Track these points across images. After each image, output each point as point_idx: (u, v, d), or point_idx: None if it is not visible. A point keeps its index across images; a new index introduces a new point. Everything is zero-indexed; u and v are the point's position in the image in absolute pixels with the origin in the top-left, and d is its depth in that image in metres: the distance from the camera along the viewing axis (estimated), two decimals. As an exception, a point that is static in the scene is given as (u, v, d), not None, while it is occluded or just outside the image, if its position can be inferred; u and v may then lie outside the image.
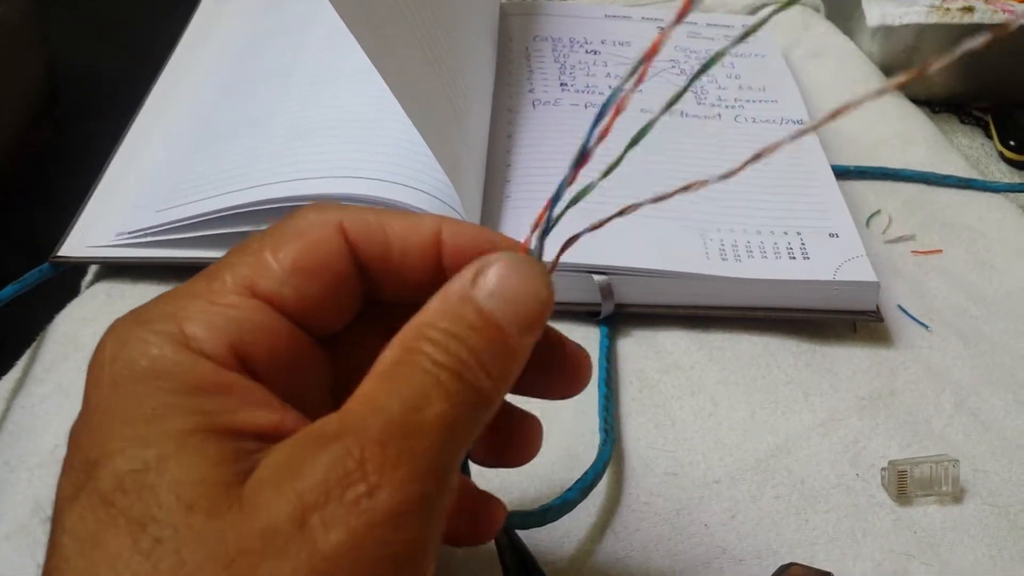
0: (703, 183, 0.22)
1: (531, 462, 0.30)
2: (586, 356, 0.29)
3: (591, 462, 0.40)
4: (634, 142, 0.24)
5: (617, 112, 0.23)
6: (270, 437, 0.21)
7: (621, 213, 0.25)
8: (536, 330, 0.24)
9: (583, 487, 0.38)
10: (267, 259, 0.24)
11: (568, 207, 0.25)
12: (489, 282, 0.23)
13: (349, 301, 0.26)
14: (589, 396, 0.44)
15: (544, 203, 0.25)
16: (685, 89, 0.22)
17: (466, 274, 0.23)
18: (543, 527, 0.37)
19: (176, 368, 0.21)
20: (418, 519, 0.20)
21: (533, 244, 0.25)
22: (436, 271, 0.26)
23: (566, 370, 0.29)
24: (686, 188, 0.23)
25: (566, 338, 0.29)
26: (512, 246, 0.26)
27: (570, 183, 0.25)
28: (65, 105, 1.42)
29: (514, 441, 0.30)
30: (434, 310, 0.23)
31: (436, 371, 0.22)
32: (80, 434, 0.21)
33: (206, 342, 0.22)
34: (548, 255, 0.25)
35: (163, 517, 0.19)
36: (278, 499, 0.19)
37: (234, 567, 0.19)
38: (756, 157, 0.21)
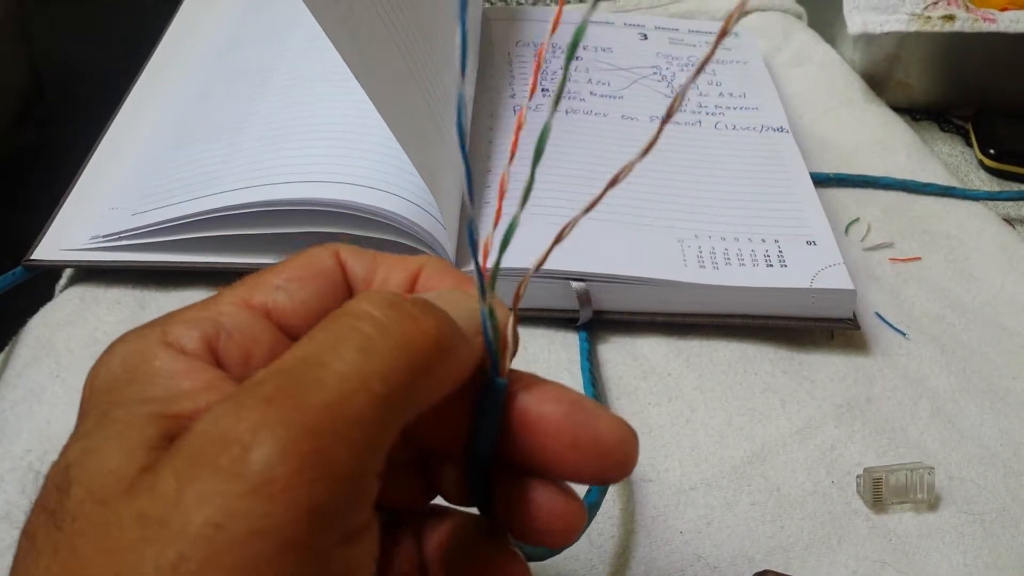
0: (629, 168, 0.22)
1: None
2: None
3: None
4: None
5: (519, 128, 0.23)
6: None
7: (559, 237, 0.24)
8: (478, 337, 0.23)
9: (591, 503, 0.37)
10: (266, 276, 0.24)
11: (504, 242, 0.24)
12: (432, 294, 0.24)
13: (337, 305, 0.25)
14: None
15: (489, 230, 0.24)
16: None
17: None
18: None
19: (137, 360, 0.22)
20: (303, 484, 0.17)
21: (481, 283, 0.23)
22: None
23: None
24: (614, 182, 0.22)
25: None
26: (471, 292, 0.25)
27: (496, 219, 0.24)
28: (48, 103, 1.41)
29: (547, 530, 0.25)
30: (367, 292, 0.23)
31: (354, 321, 0.20)
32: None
33: (182, 337, 0.22)
34: (522, 261, 0.24)
35: (73, 510, 0.18)
36: (162, 478, 0.18)
37: (115, 558, 0.17)
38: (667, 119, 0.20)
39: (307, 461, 0.17)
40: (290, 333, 0.24)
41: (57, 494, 0.19)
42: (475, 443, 0.24)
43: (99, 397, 0.21)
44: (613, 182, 0.22)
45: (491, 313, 0.23)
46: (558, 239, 0.23)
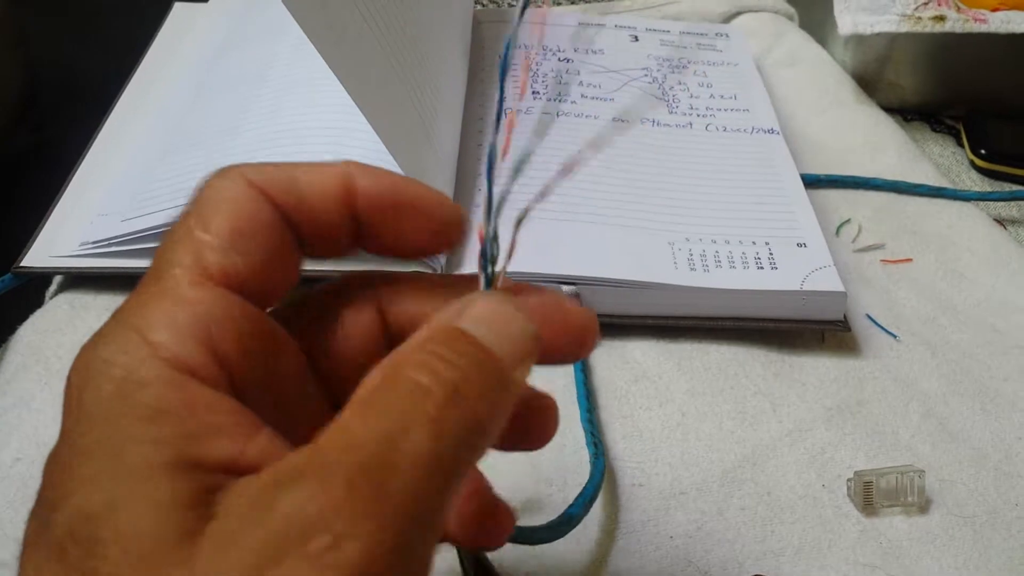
0: (574, 164, 0.22)
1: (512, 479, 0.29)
2: (553, 405, 0.27)
3: (564, 471, 0.40)
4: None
5: (510, 128, 0.23)
6: (237, 467, 0.20)
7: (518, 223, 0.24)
8: (528, 364, 0.22)
9: (584, 501, 0.38)
10: (201, 237, 0.22)
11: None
12: (477, 313, 0.22)
13: (292, 258, 0.24)
14: (565, 408, 0.44)
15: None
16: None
17: (450, 309, 0.22)
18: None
19: (140, 389, 0.20)
20: (393, 574, 0.18)
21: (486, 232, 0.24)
22: (352, 221, 0.24)
23: (533, 422, 0.26)
24: (567, 170, 0.23)
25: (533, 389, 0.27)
26: (438, 198, 0.25)
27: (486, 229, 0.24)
28: (44, 108, 1.41)
29: (530, 423, 0.26)
30: (418, 336, 0.21)
31: (419, 397, 0.19)
32: (49, 468, 0.20)
33: (174, 347, 0.20)
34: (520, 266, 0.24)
35: (110, 573, 0.17)
36: (233, 554, 0.17)
37: None
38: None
39: (394, 555, 0.18)
40: (250, 297, 0.22)
41: (78, 550, 0.18)
42: None
43: (98, 427, 0.19)
44: (564, 172, 0.24)
45: None
46: (518, 226, 0.24)
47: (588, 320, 0.25)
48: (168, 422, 0.19)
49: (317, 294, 0.26)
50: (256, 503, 0.18)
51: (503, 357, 0.21)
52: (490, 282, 0.24)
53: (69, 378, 0.21)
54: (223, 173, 0.23)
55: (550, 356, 0.25)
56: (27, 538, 0.19)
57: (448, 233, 0.25)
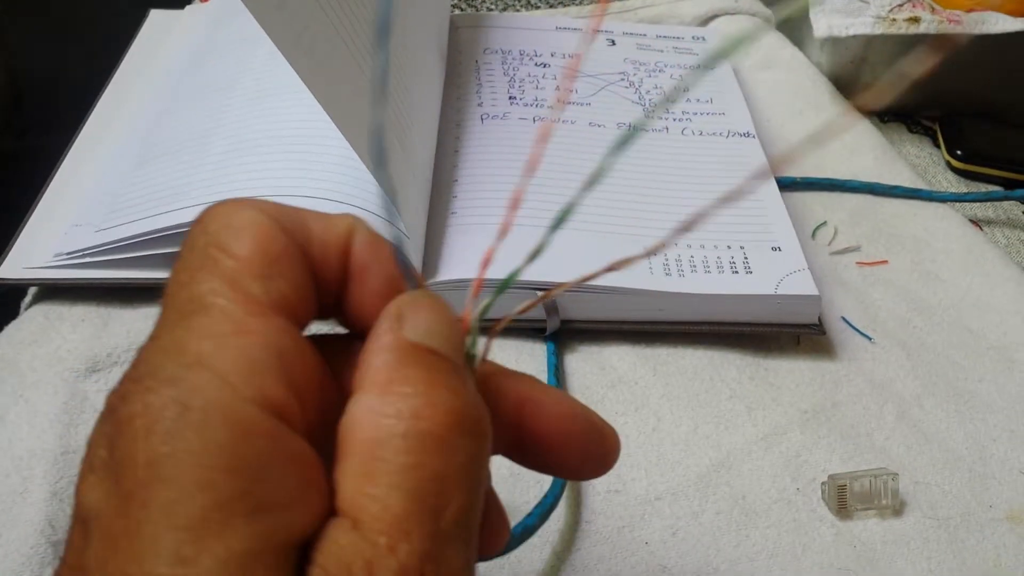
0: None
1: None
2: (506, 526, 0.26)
3: (542, 479, 0.40)
4: (561, 219, 0.23)
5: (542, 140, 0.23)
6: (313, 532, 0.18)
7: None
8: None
9: (542, 512, 0.38)
10: (227, 262, 0.19)
11: (509, 279, 0.23)
12: (416, 322, 0.21)
13: (314, 288, 0.22)
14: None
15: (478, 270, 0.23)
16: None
17: (387, 320, 0.21)
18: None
19: (230, 439, 0.17)
20: None
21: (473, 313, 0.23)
22: (343, 272, 0.22)
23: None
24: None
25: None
26: (417, 281, 0.23)
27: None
28: (27, 113, 1.40)
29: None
30: (380, 364, 0.20)
31: (449, 448, 0.19)
32: (116, 530, 0.17)
33: (268, 387, 0.18)
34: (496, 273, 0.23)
35: None
36: None
37: None
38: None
39: None
40: (297, 320, 0.20)
41: None
42: None
43: (179, 489, 0.17)
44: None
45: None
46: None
47: (614, 438, 0.25)
48: (262, 482, 0.17)
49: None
50: None
51: (458, 358, 0.21)
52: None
53: (121, 419, 0.18)
54: (228, 202, 0.21)
55: (573, 473, 0.25)
56: None
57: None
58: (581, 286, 0.46)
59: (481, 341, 0.23)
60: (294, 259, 0.20)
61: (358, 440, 0.19)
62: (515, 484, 0.42)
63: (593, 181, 0.22)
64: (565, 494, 0.41)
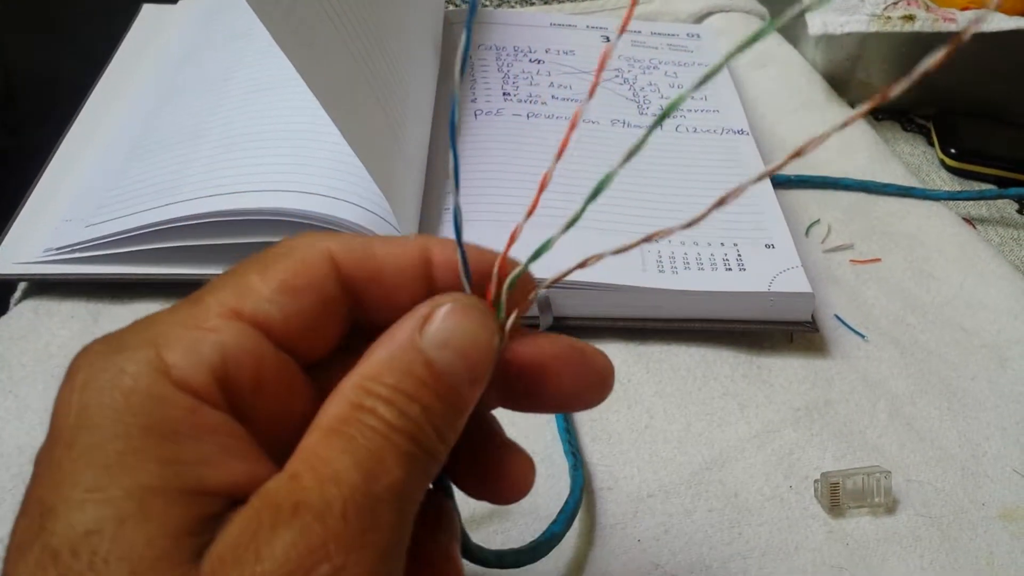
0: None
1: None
2: (529, 463, 0.27)
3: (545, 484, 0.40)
4: (594, 195, 0.23)
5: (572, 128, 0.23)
6: (240, 493, 0.20)
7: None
8: (484, 380, 0.23)
9: (566, 517, 0.37)
10: (252, 280, 0.22)
11: (532, 259, 0.24)
12: (438, 331, 0.22)
13: (335, 325, 0.24)
14: (538, 416, 0.44)
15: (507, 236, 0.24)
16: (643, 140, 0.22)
17: (413, 319, 0.22)
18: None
19: (151, 404, 0.20)
20: None
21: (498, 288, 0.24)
22: (428, 292, 0.24)
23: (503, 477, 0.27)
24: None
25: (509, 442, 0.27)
26: (496, 263, 0.25)
27: (531, 211, 0.24)
28: (21, 110, 1.40)
29: (504, 477, 0.27)
30: (380, 360, 0.22)
31: (390, 433, 0.20)
32: (41, 467, 0.20)
33: (187, 370, 0.20)
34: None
35: None
36: None
37: None
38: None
39: None
40: (277, 343, 0.23)
41: (78, 564, 0.18)
42: None
43: (100, 434, 0.19)
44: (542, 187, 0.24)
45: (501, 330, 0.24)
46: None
47: (606, 362, 0.26)
48: (176, 442, 0.20)
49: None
50: (254, 535, 0.19)
51: (461, 385, 0.22)
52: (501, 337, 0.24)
53: (72, 373, 0.21)
54: (311, 235, 0.24)
55: (574, 403, 0.26)
56: (16, 537, 0.19)
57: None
58: (575, 284, 0.46)
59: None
60: (314, 297, 0.23)
61: (329, 415, 0.21)
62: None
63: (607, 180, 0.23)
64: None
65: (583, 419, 0.45)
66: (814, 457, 0.44)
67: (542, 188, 0.24)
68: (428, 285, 0.24)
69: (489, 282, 0.24)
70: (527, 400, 0.26)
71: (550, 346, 0.26)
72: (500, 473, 0.27)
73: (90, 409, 0.20)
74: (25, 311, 0.47)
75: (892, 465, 0.43)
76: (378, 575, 0.19)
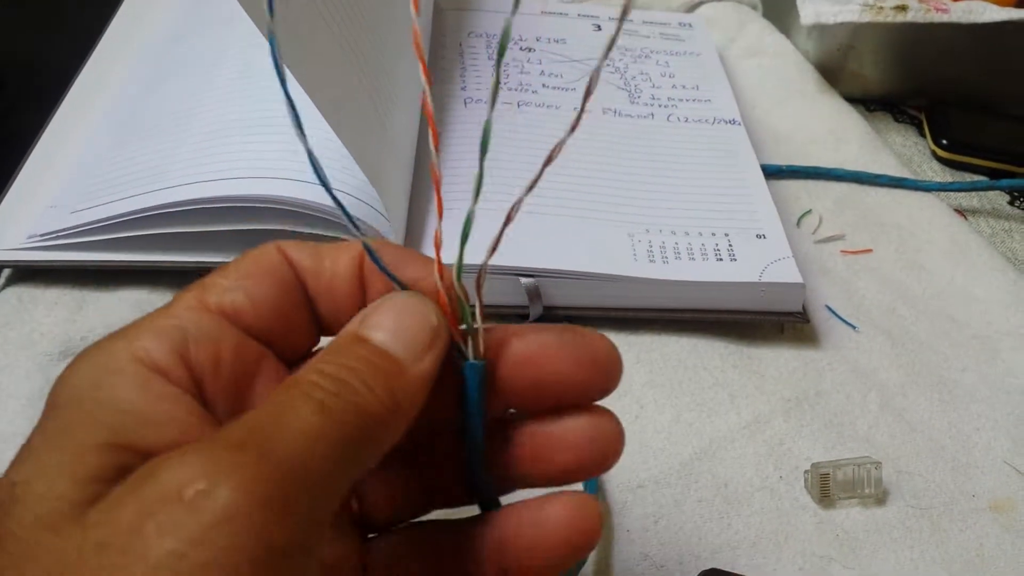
0: (559, 148, 0.23)
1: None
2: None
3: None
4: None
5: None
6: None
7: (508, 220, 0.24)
8: (430, 353, 0.24)
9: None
10: (215, 278, 0.25)
11: (463, 241, 0.25)
12: (376, 321, 0.24)
13: (301, 315, 0.26)
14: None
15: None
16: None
17: (355, 320, 0.24)
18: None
19: (110, 379, 0.22)
20: (265, 523, 0.18)
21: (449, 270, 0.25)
22: (360, 294, 0.26)
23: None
24: (548, 161, 0.23)
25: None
26: (428, 265, 0.26)
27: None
28: (10, 95, 1.38)
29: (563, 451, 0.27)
30: (322, 351, 0.23)
31: (310, 389, 0.21)
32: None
33: (153, 352, 0.22)
34: (473, 258, 0.25)
35: (20, 533, 0.19)
36: (120, 510, 0.19)
37: None
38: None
39: (269, 503, 0.19)
40: (251, 332, 0.25)
41: (5, 513, 0.19)
42: (467, 424, 0.26)
43: (60, 409, 0.22)
44: (549, 160, 0.23)
45: (461, 303, 0.25)
46: (508, 220, 0.25)
47: (607, 344, 0.26)
48: (119, 408, 0.21)
49: None
50: (145, 470, 0.19)
51: (399, 354, 0.23)
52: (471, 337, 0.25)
53: (64, 372, 0.23)
54: (262, 245, 0.26)
55: (584, 391, 0.26)
56: None
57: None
58: (566, 274, 0.46)
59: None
60: (271, 280, 0.25)
61: (283, 384, 0.22)
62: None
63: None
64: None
65: (573, 409, 0.44)
66: (804, 448, 0.44)
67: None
68: (361, 287, 0.26)
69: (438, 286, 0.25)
70: (534, 394, 0.26)
71: (541, 334, 0.26)
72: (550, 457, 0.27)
73: (61, 395, 0.22)
74: (9, 298, 0.47)
75: (882, 456, 0.43)
76: (259, 498, 0.19)
